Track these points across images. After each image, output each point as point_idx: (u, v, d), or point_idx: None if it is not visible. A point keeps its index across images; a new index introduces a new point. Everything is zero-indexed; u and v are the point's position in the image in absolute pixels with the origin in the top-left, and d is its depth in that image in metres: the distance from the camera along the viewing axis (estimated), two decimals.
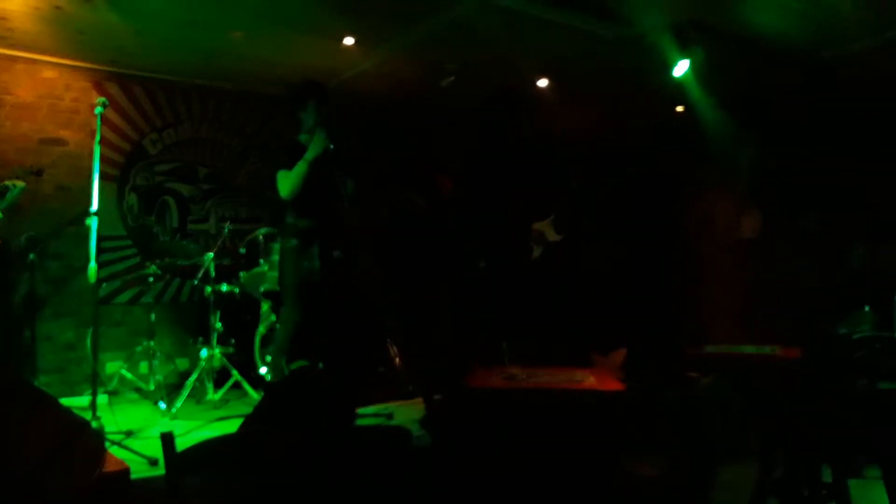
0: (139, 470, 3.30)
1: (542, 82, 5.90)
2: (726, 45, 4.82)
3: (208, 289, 5.26)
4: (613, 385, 3.84)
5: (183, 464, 2.02)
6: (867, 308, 4.67)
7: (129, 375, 5.38)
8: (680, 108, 6.00)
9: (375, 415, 4.65)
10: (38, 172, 5.07)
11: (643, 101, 6.09)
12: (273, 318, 5.32)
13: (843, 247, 5.16)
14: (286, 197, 4.36)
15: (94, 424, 3.70)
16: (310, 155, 4.28)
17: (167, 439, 1.99)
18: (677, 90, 5.27)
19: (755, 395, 3.75)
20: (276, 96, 6.59)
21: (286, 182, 4.34)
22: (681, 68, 4.81)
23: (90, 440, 2.61)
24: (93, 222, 3.95)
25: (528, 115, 5.31)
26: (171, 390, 5.14)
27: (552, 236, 5.58)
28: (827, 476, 3.51)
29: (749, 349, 4.04)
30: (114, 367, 5.65)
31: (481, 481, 3.38)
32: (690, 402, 3.89)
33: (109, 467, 2.61)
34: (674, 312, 5.71)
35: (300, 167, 4.28)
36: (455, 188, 5.33)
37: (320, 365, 4.27)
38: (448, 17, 4.75)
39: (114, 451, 3.54)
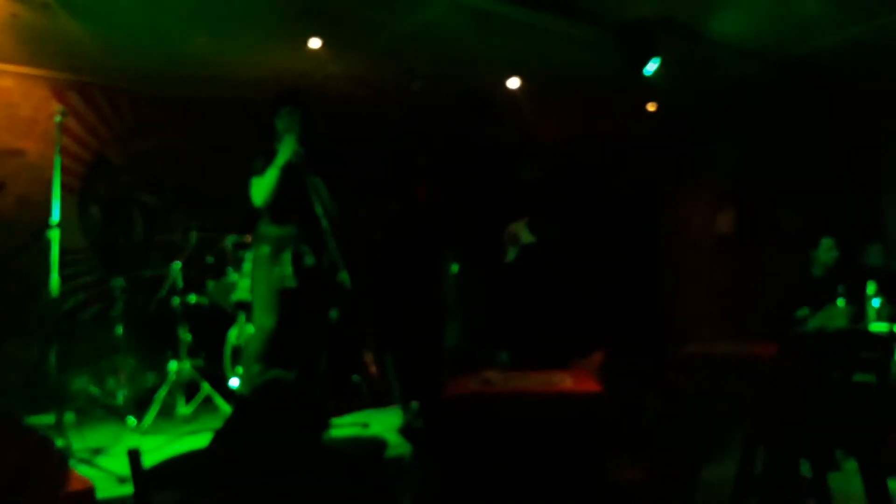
0: (108, 488, 3.22)
1: (514, 84, 5.87)
2: (696, 42, 4.84)
3: (176, 300, 5.14)
4: (590, 386, 3.81)
5: (151, 480, 1.95)
6: (841, 302, 4.70)
7: (95, 392, 5.23)
8: (652, 107, 6.00)
9: (351, 424, 4.58)
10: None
11: (616, 101, 6.10)
12: (251, 328, 5.22)
13: (815, 242, 5.18)
14: (259, 204, 4.32)
15: (59, 443, 3.60)
16: (280, 160, 4.24)
17: (134, 456, 1.92)
18: (650, 89, 5.28)
19: (733, 393, 3.76)
20: (246, 102, 6.48)
21: (258, 189, 4.30)
22: (650, 67, 4.80)
23: (53, 459, 2.50)
24: (54, 235, 3.86)
25: (500, 117, 5.29)
26: (140, 406, 5.01)
27: (527, 238, 5.55)
28: (806, 471, 3.51)
29: (726, 347, 4.04)
30: (80, 383, 5.48)
31: (462, 488, 3.33)
32: (670, 403, 3.88)
33: (74, 486, 2.52)
34: (652, 313, 5.72)
35: (271, 173, 4.24)
36: (430, 192, 5.28)
37: (293, 374, 4.19)
38: (418, 20, 4.71)
39: (80, 469, 3.43)
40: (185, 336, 5.08)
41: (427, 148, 5.57)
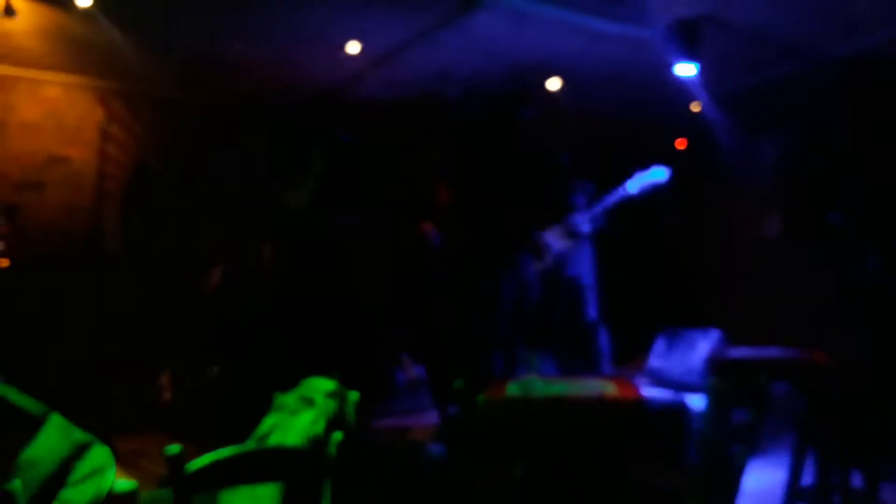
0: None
1: (551, 85, 5.83)
2: (740, 41, 4.74)
3: None
4: (632, 393, 3.76)
5: (192, 481, 1.96)
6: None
7: None
8: (696, 108, 5.89)
9: (391, 429, 4.59)
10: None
11: (657, 102, 6.01)
12: None
13: (863, 247, 5.01)
14: (295, 211, 4.38)
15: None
16: (316, 168, 4.30)
17: (175, 457, 1.93)
18: (692, 89, 5.19)
19: (780, 400, 3.66)
20: (285, 111, 6.54)
21: (296, 196, 4.37)
22: (688, 68, 4.69)
23: (98, 458, 2.53)
24: None
25: (535, 119, 5.22)
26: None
27: (560, 244, 5.49)
28: (858, 482, 3.40)
29: (773, 352, 3.94)
30: None
31: (497, 492, 3.31)
32: (713, 409, 3.80)
33: (118, 486, 2.53)
34: (695, 316, 5.60)
35: (310, 181, 4.31)
36: (452, 197, 5.22)
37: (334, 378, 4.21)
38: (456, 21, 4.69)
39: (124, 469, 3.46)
40: None
41: (453, 151, 5.50)
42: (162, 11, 4.61)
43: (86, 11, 4.49)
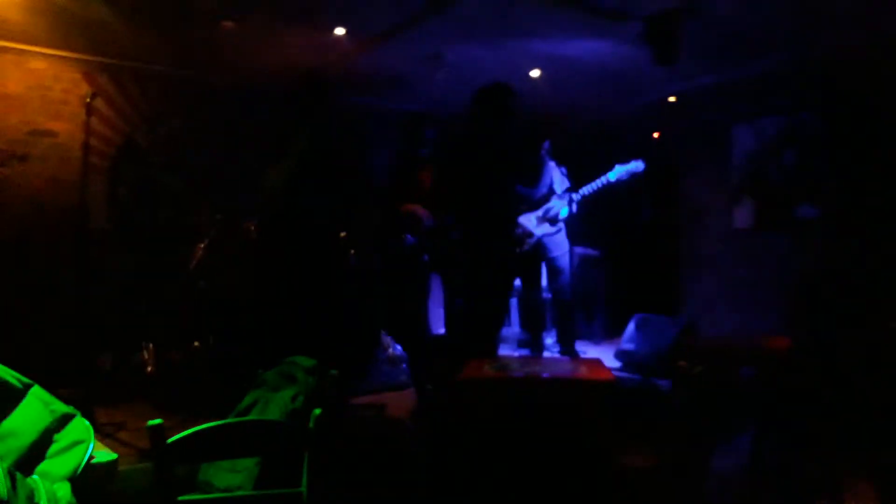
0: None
1: (534, 73, 5.88)
2: (718, 35, 4.79)
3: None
4: (604, 374, 3.85)
5: (172, 454, 2.01)
6: None
7: None
8: (672, 99, 5.97)
9: (369, 405, 4.66)
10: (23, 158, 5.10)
11: (636, 93, 6.07)
12: None
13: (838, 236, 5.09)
14: (275, 190, 4.40)
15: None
16: (295, 149, 4.33)
17: (156, 430, 1.98)
18: (669, 80, 5.26)
19: (747, 384, 3.77)
20: (271, 90, 6.55)
21: (275, 175, 4.39)
22: (666, 61, 4.73)
23: (77, 430, 2.58)
24: None
25: (517, 107, 5.26)
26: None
27: (539, 229, 5.57)
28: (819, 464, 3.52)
29: (741, 339, 4.05)
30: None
31: (472, 470, 3.39)
32: (683, 392, 3.91)
33: (97, 457, 2.59)
34: (669, 301, 5.72)
35: (287, 161, 4.34)
36: (436, 182, 5.25)
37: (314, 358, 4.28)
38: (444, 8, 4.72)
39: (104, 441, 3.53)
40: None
41: (437, 136, 5.52)
42: None
43: None
